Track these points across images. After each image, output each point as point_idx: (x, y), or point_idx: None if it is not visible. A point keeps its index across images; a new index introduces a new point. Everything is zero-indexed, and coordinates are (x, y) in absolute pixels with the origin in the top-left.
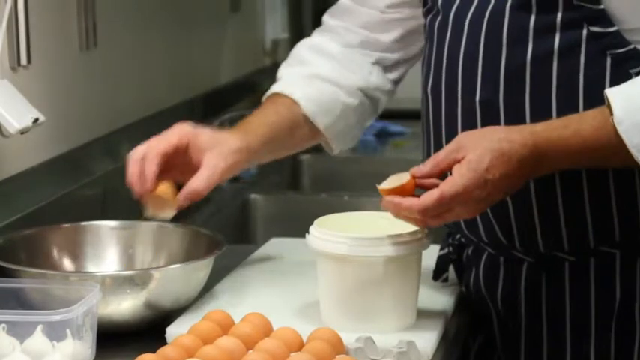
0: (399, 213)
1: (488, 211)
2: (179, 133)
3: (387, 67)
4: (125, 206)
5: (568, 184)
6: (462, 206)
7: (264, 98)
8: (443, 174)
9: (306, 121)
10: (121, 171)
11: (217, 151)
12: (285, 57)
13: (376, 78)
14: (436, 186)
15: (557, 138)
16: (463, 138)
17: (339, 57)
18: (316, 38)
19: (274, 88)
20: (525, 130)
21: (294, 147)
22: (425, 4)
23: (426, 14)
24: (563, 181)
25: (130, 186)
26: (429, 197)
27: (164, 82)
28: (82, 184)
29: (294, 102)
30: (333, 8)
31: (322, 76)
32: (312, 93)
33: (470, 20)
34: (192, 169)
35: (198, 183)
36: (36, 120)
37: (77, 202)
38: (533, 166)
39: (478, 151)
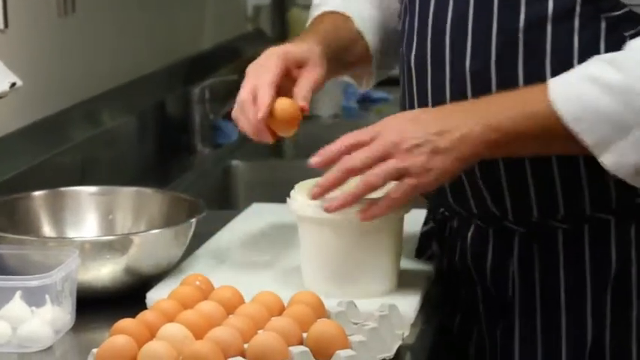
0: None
1: (480, 182)
2: (276, 58)
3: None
4: (104, 172)
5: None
6: (402, 155)
7: (311, 21)
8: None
9: (360, 38)
10: (100, 137)
11: (311, 63)
12: (267, 23)
13: None
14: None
15: (497, 97)
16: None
17: None
18: None
19: (321, 9)
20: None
21: (352, 64)
22: None
23: None
24: (533, 161)
25: (245, 131)
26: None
27: (144, 47)
28: (61, 150)
29: (347, 18)
30: None
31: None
32: (361, 11)
33: None
34: (293, 82)
35: (304, 88)
36: (13, 84)
37: (56, 168)
38: (473, 109)
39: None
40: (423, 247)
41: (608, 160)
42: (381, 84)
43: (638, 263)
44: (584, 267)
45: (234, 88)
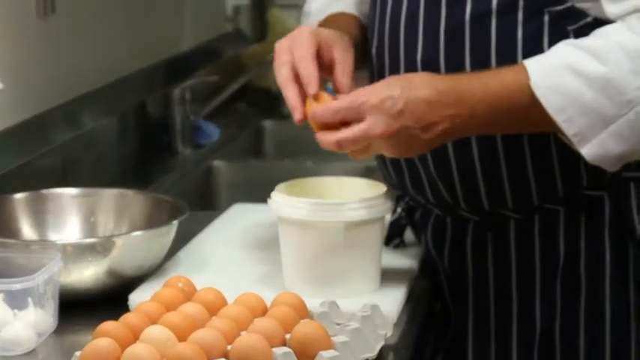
0: (315, 121)
1: (433, 170)
2: (308, 35)
3: None
4: (85, 175)
5: (509, 142)
6: (376, 117)
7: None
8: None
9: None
10: (81, 138)
11: (341, 46)
12: (246, 23)
13: None
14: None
15: (478, 81)
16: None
17: None
18: None
19: (327, 12)
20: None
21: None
22: None
23: None
24: (505, 137)
25: (294, 106)
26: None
27: (124, 48)
28: (42, 152)
29: (354, 17)
30: None
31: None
32: (360, 11)
33: None
34: (326, 65)
35: (343, 73)
36: None
37: (37, 170)
38: (453, 104)
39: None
40: (392, 235)
41: (589, 150)
42: None
43: (587, 253)
44: (534, 256)
45: (214, 89)
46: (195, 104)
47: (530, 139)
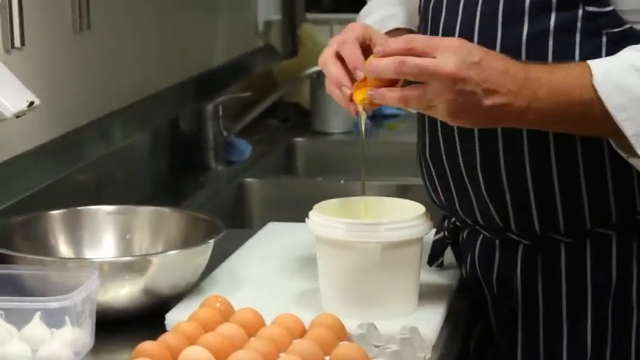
0: (382, 54)
1: (484, 192)
2: (360, 27)
3: None
4: (118, 191)
5: (564, 166)
6: (448, 56)
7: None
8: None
9: None
10: (114, 155)
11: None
12: (277, 39)
13: None
14: None
15: (543, 70)
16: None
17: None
18: None
19: (392, 24)
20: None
21: None
22: None
23: None
24: (559, 162)
25: (335, 84)
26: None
27: (157, 64)
28: (77, 168)
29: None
30: None
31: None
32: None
33: (464, 1)
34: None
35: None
36: (31, 103)
37: (71, 186)
38: (522, 85)
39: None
40: (434, 255)
41: None
42: None
43: (639, 278)
44: (586, 281)
45: (246, 105)
46: (227, 120)
47: (585, 162)
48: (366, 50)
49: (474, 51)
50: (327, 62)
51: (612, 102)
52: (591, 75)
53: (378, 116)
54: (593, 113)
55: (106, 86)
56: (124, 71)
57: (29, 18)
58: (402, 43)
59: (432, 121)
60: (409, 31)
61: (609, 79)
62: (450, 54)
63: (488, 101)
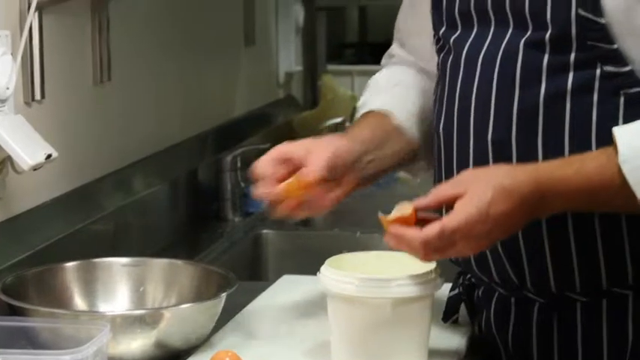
0: (400, 244)
1: (500, 250)
2: (288, 144)
3: None
4: (135, 242)
5: (580, 224)
6: (464, 241)
7: (355, 120)
8: (444, 207)
9: (399, 133)
10: (132, 205)
11: (323, 143)
12: (298, 89)
13: None
14: (438, 219)
15: (560, 176)
16: (466, 173)
17: (414, 83)
18: (386, 70)
19: (362, 111)
20: (529, 168)
21: (395, 157)
22: (438, 41)
23: (438, 52)
24: (576, 221)
25: (259, 191)
26: (430, 230)
27: (178, 115)
28: (93, 219)
29: (386, 114)
30: (390, 50)
31: (406, 83)
32: (400, 107)
33: (482, 59)
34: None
35: (317, 163)
36: (49, 156)
37: (88, 237)
38: (536, 205)
39: (481, 186)
40: (450, 311)
41: None
42: None
43: None
44: (602, 340)
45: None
46: (245, 171)
47: (601, 222)
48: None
49: (484, 220)
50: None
51: (637, 181)
52: (616, 151)
53: None
54: (618, 192)
55: (125, 138)
56: (143, 123)
57: (50, 70)
58: (421, 246)
59: (449, 178)
60: (384, 116)
61: (635, 155)
62: (465, 240)
63: (504, 235)
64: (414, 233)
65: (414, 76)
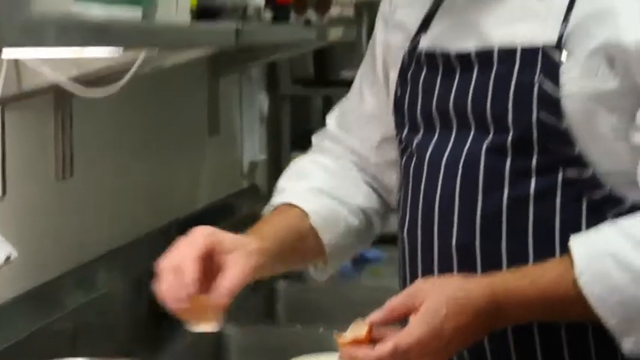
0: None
1: (466, 356)
2: (203, 236)
3: (379, 192)
4: (96, 340)
5: (546, 334)
6: (420, 357)
7: (268, 209)
8: (400, 320)
9: (314, 235)
10: (93, 303)
11: (242, 251)
12: (263, 179)
13: (374, 200)
14: (393, 336)
15: (514, 288)
16: (421, 284)
17: (340, 174)
18: (313, 155)
19: (281, 199)
20: (484, 281)
21: (302, 258)
22: (400, 142)
23: (401, 153)
24: (541, 331)
25: (165, 300)
26: (383, 348)
27: (140, 209)
28: (53, 318)
29: (304, 213)
30: (322, 132)
31: (326, 191)
32: (319, 207)
33: (445, 164)
34: (216, 272)
35: (230, 280)
36: (8, 257)
37: (48, 337)
38: (493, 315)
39: (435, 300)
40: None
41: (628, 343)
42: (376, 242)
43: None
44: None
45: None
46: None
47: (568, 331)
48: (207, 259)
49: (443, 335)
50: (165, 284)
51: (593, 293)
52: (572, 265)
53: (360, 260)
54: (574, 303)
55: (86, 234)
56: (105, 217)
57: (11, 166)
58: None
59: (413, 269)
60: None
61: (590, 266)
62: (424, 357)
63: (464, 346)
64: (367, 353)
65: (352, 179)
